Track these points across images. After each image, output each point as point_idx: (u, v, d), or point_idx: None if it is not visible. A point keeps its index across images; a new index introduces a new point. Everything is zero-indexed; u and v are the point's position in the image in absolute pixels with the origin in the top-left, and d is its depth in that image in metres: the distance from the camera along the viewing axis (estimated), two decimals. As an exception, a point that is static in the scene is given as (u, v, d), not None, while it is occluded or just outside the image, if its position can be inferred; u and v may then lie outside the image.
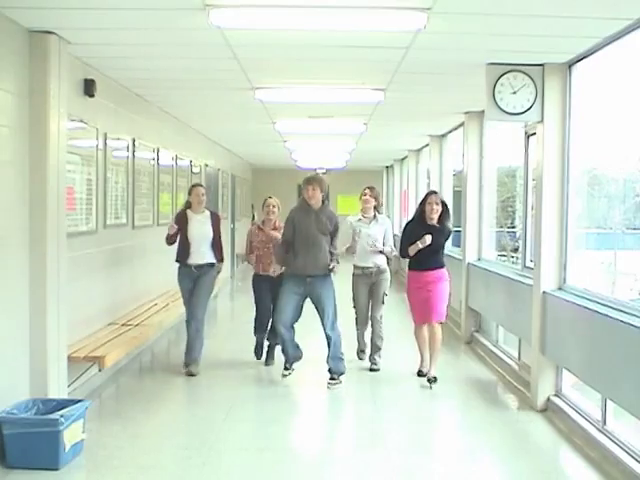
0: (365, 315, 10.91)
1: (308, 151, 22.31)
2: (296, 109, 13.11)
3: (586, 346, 7.77)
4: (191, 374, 10.15)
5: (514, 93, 8.73)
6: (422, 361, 10.36)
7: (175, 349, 11.93)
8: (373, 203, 10.78)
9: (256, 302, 11.05)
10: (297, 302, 9.72)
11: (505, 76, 8.74)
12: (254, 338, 11.12)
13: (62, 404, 7.17)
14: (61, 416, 6.78)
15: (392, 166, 26.91)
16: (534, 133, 9.46)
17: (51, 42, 7.51)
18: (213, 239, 10.46)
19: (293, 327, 9.83)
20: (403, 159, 24.09)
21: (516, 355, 10.61)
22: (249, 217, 27.56)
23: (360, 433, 8.31)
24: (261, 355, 11.13)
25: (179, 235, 10.36)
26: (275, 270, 10.41)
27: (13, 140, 7.20)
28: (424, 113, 13.72)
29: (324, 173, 30.52)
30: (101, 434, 7.62)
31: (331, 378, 9.78)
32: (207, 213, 10.67)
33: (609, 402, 7.42)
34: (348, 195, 25.11)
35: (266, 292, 10.81)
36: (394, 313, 13.69)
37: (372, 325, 10.92)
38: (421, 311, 9.99)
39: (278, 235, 10.53)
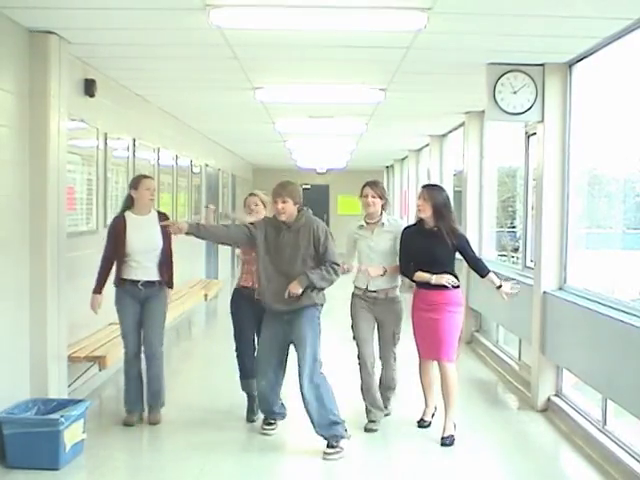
0: (369, 352, 8.06)
1: (308, 151, 22.30)
2: (296, 109, 13.10)
3: (586, 346, 7.77)
4: (130, 424, 7.93)
5: (514, 93, 8.73)
6: (426, 407, 8.15)
7: (175, 349, 11.93)
8: (379, 205, 8.07)
9: (236, 334, 8.19)
10: (278, 345, 7.45)
11: (505, 76, 8.74)
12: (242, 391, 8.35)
13: (62, 404, 7.18)
14: (61, 416, 6.78)
15: (392, 166, 26.91)
16: (534, 133, 9.46)
17: (51, 42, 7.52)
18: (162, 252, 7.99)
19: (278, 378, 7.57)
20: (403, 159, 24.07)
21: (516, 355, 10.62)
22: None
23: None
24: (253, 416, 8.21)
25: (112, 249, 7.95)
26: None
27: (13, 140, 7.21)
28: (424, 113, 13.70)
29: (324, 173, 30.62)
30: (101, 434, 7.62)
31: (329, 446, 7.18)
32: (154, 215, 8.10)
33: (609, 402, 7.42)
34: (349, 195, 25.15)
35: (248, 316, 7.99)
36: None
37: (382, 368, 8.28)
38: (426, 342, 7.79)
39: None
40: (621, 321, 6.87)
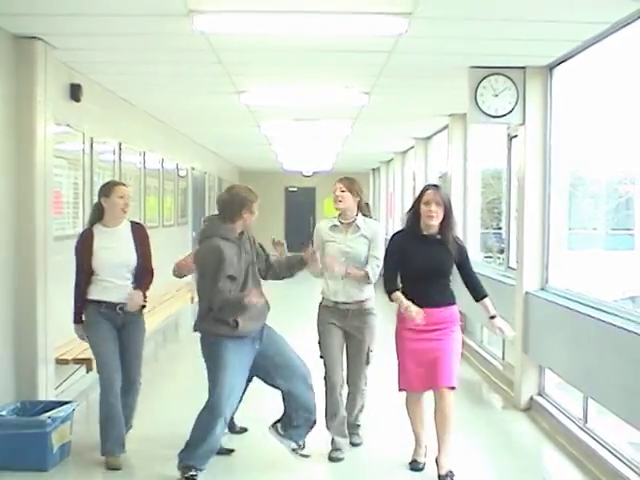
0: (339, 374, 7.14)
1: (294, 153, 22.32)
2: (281, 112, 13.16)
3: (567, 345, 7.86)
4: (117, 467, 6.84)
5: (496, 96, 8.81)
6: (417, 447, 6.96)
7: (162, 351, 11.98)
8: (351, 201, 7.11)
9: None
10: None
11: (487, 79, 8.82)
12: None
13: (49, 406, 7.19)
14: (49, 417, 6.83)
15: (379, 168, 26.96)
16: (516, 135, 9.54)
17: (37, 47, 7.60)
18: (138, 266, 7.02)
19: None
20: (389, 161, 24.15)
21: (500, 355, 10.70)
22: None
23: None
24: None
25: (83, 269, 6.97)
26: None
27: (0, 145, 7.28)
28: (409, 115, 13.79)
29: (310, 176, 30.66)
30: (88, 436, 7.67)
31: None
32: (126, 226, 7.12)
33: (590, 401, 7.53)
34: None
35: None
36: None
37: (349, 393, 7.27)
38: (421, 371, 6.64)
39: None
40: (601, 320, 6.96)
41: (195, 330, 6.56)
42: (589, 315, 7.28)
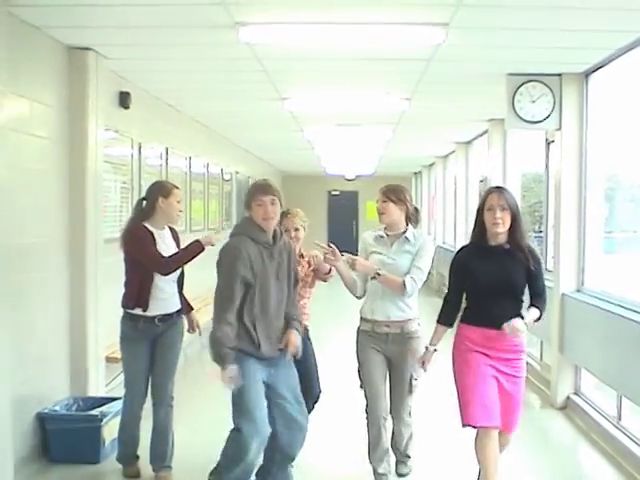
0: (382, 407, 6.43)
1: (337, 157, 22.38)
2: (324, 118, 13.31)
3: (602, 345, 8.02)
4: (135, 475, 6.81)
5: (533, 102, 8.98)
6: None
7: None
8: (397, 212, 6.40)
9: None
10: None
11: (524, 86, 8.99)
12: None
13: (100, 402, 7.50)
14: (101, 413, 7.13)
15: (420, 172, 27.02)
16: (554, 140, 9.67)
17: (89, 58, 7.86)
18: (180, 274, 6.76)
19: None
20: (431, 165, 24.27)
21: (538, 356, 10.85)
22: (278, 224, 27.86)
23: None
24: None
25: (130, 265, 6.59)
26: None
27: (54, 151, 7.54)
28: (449, 121, 13.92)
29: (353, 179, 30.70)
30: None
31: None
32: (167, 229, 6.78)
33: (624, 400, 7.70)
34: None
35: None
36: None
37: (394, 425, 6.63)
38: (487, 402, 5.57)
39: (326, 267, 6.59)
40: (634, 321, 7.11)
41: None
42: (623, 316, 7.43)
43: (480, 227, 5.75)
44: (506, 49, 7.99)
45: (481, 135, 15.35)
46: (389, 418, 6.52)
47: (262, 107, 12.02)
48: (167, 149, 11.65)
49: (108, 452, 7.14)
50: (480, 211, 5.75)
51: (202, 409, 8.88)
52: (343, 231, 30.50)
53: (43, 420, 7.09)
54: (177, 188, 6.78)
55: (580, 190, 8.97)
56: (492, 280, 5.63)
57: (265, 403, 5.63)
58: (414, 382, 6.41)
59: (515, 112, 9.05)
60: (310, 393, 6.59)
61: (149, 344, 6.54)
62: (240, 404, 5.56)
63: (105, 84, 8.38)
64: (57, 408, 7.28)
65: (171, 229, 6.81)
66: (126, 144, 9.78)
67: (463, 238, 16.49)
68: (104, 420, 7.10)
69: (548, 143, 10.46)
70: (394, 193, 6.40)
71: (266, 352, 5.64)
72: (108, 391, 8.42)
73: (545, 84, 8.97)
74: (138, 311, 6.45)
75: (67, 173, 7.75)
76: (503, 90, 9.10)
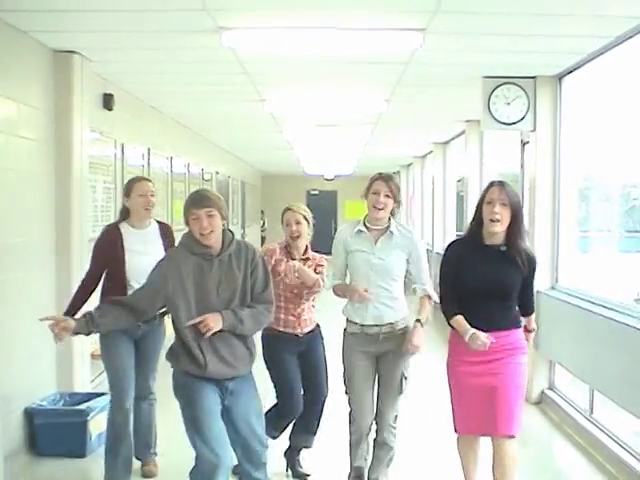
0: (366, 418, 6.00)
1: (316, 158, 22.50)
2: (303, 119, 13.48)
3: (575, 341, 8.20)
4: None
5: (508, 104, 9.15)
6: None
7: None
8: (391, 206, 5.88)
9: (280, 384, 6.41)
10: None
11: (499, 88, 9.15)
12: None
13: (86, 397, 7.62)
14: (87, 407, 7.27)
15: (398, 172, 27.09)
16: (528, 141, 9.84)
17: (74, 61, 7.99)
18: None
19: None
20: (409, 165, 24.40)
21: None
22: (259, 223, 28.03)
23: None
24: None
25: (106, 270, 6.31)
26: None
27: (40, 152, 7.66)
28: (426, 122, 14.09)
29: (332, 179, 30.89)
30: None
31: None
32: (154, 226, 6.52)
33: (596, 393, 7.88)
34: (356, 201, 25.32)
35: (294, 366, 6.38)
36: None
37: (377, 430, 6.09)
38: (475, 411, 5.44)
39: (315, 276, 6.26)
40: (606, 317, 7.30)
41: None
42: (595, 312, 7.59)
43: (477, 222, 5.40)
44: (482, 53, 8.15)
45: (458, 136, 15.50)
46: (373, 425, 6.09)
47: (242, 108, 12.15)
48: (149, 149, 11.74)
49: (94, 446, 7.26)
50: (479, 205, 5.40)
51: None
52: (322, 230, 30.45)
53: (31, 415, 7.22)
54: (141, 180, 6.54)
55: (554, 190, 9.15)
56: (481, 283, 5.33)
57: (223, 428, 5.03)
58: (404, 381, 5.94)
59: (491, 114, 9.22)
60: (317, 393, 6.49)
61: (131, 342, 6.31)
62: (197, 431, 4.98)
63: (89, 86, 8.50)
64: (44, 403, 7.42)
65: (162, 225, 6.58)
66: (109, 145, 9.89)
67: (441, 237, 16.68)
68: (90, 415, 7.23)
69: (523, 144, 10.64)
70: (395, 186, 5.91)
71: (214, 372, 5.00)
72: (94, 387, 8.53)
73: (520, 86, 9.14)
74: None
75: (53, 173, 7.88)
76: (479, 92, 9.25)
